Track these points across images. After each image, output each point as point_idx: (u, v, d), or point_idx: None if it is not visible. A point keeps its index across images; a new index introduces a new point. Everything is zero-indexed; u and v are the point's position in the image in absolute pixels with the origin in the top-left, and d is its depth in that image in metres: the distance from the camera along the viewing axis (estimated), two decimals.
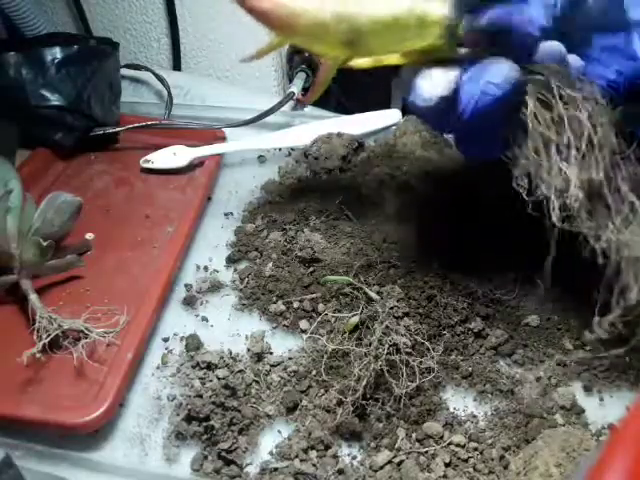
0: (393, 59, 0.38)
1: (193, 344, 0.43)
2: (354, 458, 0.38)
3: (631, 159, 0.36)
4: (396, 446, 0.38)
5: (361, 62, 0.39)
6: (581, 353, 0.43)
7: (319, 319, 0.44)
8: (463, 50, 0.36)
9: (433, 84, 0.35)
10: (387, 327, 0.39)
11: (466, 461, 0.37)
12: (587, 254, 0.34)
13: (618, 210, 0.35)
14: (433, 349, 0.41)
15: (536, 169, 0.35)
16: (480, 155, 0.40)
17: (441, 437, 0.38)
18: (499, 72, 0.34)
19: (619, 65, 0.37)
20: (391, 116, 0.65)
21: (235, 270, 0.50)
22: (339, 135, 0.60)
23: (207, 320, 0.47)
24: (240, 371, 0.41)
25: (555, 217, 0.34)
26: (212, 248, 0.53)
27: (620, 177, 0.35)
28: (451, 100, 0.35)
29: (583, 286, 0.42)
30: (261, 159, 0.64)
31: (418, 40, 0.35)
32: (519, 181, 0.35)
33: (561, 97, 0.34)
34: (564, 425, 0.39)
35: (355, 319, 0.41)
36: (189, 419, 0.38)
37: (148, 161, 0.60)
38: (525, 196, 0.35)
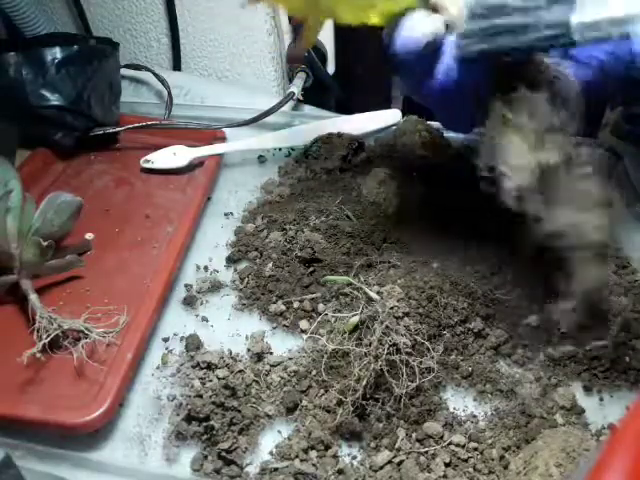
0: (375, 19, 0.38)
1: (193, 344, 0.43)
2: (354, 458, 0.38)
3: (590, 144, 0.36)
4: (396, 446, 0.38)
5: (345, 18, 0.39)
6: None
7: (319, 319, 0.44)
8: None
9: (420, 26, 0.37)
10: (387, 327, 0.39)
11: (466, 461, 0.37)
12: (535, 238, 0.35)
13: (569, 195, 0.35)
14: (433, 349, 0.41)
15: (495, 148, 0.36)
16: (455, 130, 0.43)
17: (441, 437, 0.38)
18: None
19: (610, 45, 0.36)
20: (391, 116, 0.65)
21: (235, 270, 0.50)
22: (339, 135, 0.60)
23: (207, 320, 0.47)
24: (240, 371, 0.41)
25: (505, 196, 0.35)
26: (212, 248, 0.53)
27: (577, 161, 0.35)
28: (432, 51, 0.37)
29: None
30: (261, 159, 0.64)
31: (389, 5, 0.36)
32: (481, 160, 0.36)
33: (526, 77, 0.35)
34: (564, 425, 0.39)
35: (355, 319, 0.41)
36: (189, 419, 0.38)
37: (148, 161, 0.60)
38: (484, 173, 0.36)
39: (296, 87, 0.69)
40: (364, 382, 0.38)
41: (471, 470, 0.37)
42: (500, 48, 0.35)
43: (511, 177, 0.35)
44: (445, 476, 0.36)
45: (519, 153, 0.35)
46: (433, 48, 0.37)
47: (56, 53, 0.59)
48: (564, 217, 0.35)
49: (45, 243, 0.44)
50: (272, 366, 0.42)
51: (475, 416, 0.40)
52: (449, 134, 0.60)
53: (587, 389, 0.42)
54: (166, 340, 0.45)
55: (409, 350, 0.39)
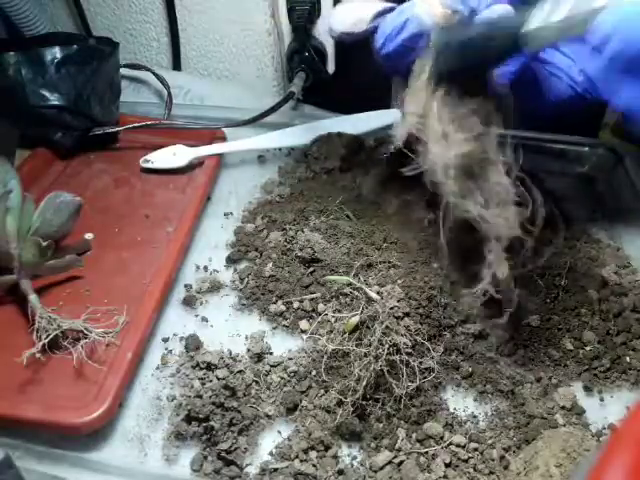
0: None
1: (193, 344, 0.43)
2: (354, 458, 0.38)
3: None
4: (396, 446, 0.38)
5: None
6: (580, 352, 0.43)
7: (319, 319, 0.44)
8: None
9: (339, 21, 0.42)
10: (387, 327, 0.39)
11: (466, 461, 0.37)
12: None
13: (489, 191, 0.37)
14: (433, 349, 0.41)
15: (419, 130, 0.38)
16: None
17: (441, 437, 0.38)
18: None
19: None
20: (391, 116, 0.65)
21: (235, 270, 0.50)
22: (339, 135, 0.60)
23: (207, 320, 0.46)
24: (240, 371, 0.41)
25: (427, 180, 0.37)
26: (212, 248, 0.53)
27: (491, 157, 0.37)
28: (362, 35, 0.42)
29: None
30: (261, 159, 0.64)
31: None
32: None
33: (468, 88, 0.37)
34: (564, 425, 0.39)
35: (355, 319, 0.41)
36: (189, 419, 0.38)
37: (148, 161, 0.60)
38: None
39: (296, 87, 0.69)
40: (364, 382, 0.38)
41: (471, 470, 0.37)
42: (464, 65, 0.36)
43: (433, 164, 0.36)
44: (445, 476, 0.36)
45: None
46: (353, 34, 0.42)
47: (56, 53, 0.59)
48: (475, 209, 0.36)
49: (44, 243, 0.44)
50: (272, 366, 0.42)
51: (475, 416, 0.40)
52: None
53: (587, 389, 0.42)
54: (166, 340, 0.45)
55: (409, 350, 0.39)
